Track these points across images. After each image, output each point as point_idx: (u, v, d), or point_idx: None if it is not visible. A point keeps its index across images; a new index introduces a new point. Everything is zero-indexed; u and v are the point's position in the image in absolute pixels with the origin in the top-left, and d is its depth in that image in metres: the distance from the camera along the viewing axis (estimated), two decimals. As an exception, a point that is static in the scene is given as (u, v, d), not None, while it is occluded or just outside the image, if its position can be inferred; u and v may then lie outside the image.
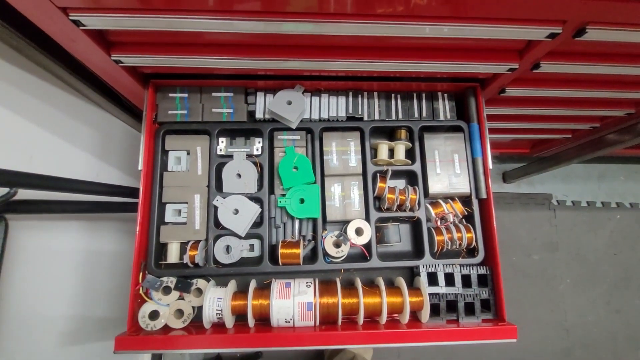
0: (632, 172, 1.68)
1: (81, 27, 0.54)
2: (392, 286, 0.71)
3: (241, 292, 0.68)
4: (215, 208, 0.72)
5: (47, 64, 0.71)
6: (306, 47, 0.64)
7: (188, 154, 0.75)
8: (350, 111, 0.78)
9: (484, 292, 0.71)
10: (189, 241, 0.71)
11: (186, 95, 0.76)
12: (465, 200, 0.78)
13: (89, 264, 0.88)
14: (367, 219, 0.74)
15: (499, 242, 0.72)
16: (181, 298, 0.69)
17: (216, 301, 0.65)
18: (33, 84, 0.73)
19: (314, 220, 0.74)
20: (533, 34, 0.58)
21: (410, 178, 0.80)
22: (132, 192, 0.84)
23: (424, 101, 0.80)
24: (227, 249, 0.71)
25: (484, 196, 0.75)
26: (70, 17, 0.52)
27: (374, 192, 0.76)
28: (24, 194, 0.59)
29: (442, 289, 0.70)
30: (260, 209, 0.73)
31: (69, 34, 0.56)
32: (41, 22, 0.55)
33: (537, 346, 1.45)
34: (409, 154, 0.80)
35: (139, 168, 0.71)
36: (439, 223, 0.76)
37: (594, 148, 1.13)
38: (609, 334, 1.48)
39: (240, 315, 0.68)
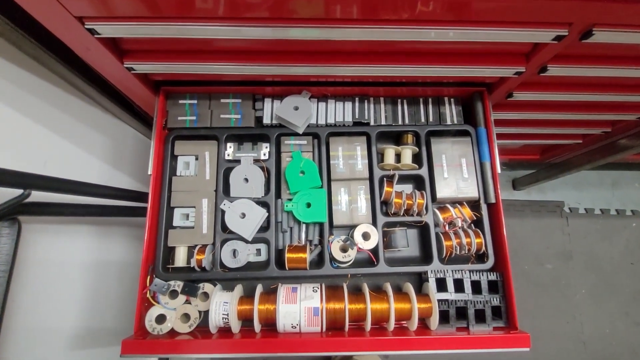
0: (647, 179, 1.64)
1: (96, 36, 0.56)
2: (400, 292, 0.70)
3: (247, 296, 0.68)
4: (223, 212, 0.73)
5: (63, 73, 0.74)
6: (313, 53, 0.65)
7: (196, 159, 0.77)
8: (357, 116, 0.78)
9: (494, 299, 0.70)
10: (196, 245, 0.72)
11: (195, 101, 0.77)
12: (474, 205, 0.77)
13: (97, 268, 0.89)
14: (374, 223, 0.74)
15: (509, 250, 0.70)
16: (188, 302, 0.69)
17: (222, 305, 0.65)
18: (49, 91, 0.75)
19: (321, 224, 0.74)
20: (539, 37, 0.58)
21: (418, 183, 0.80)
22: (142, 196, 0.85)
23: (430, 106, 0.80)
24: (234, 253, 0.71)
25: (493, 200, 0.74)
26: (86, 26, 0.54)
27: (380, 196, 0.75)
28: (36, 196, 0.61)
29: (451, 295, 0.69)
30: (267, 213, 0.73)
31: (84, 43, 0.59)
32: (59, 31, 0.57)
33: (553, 359, 1.40)
34: (416, 158, 0.80)
35: (149, 173, 0.72)
36: (447, 228, 0.75)
37: (605, 153, 1.11)
38: (628, 347, 1.42)
39: (246, 320, 0.67)
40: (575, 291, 1.48)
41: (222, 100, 0.78)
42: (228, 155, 0.76)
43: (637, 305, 1.46)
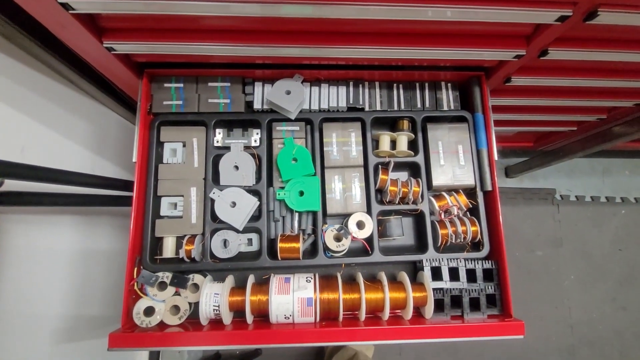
0: (637, 166, 1.65)
1: (70, 11, 0.52)
2: (394, 281, 0.69)
3: (239, 287, 0.66)
4: (212, 201, 0.70)
5: (39, 54, 0.69)
6: (305, 32, 0.62)
7: (184, 145, 0.73)
8: (351, 101, 0.76)
9: (489, 287, 0.69)
10: (185, 235, 0.69)
11: (181, 85, 0.74)
12: (470, 192, 0.75)
13: (83, 259, 0.86)
14: (369, 212, 0.72)
15: (502, 237, 0.70)
16: (177, 294, 0.67)
17: (213, 297, 0.63)
18: (24, 74, 0.70)
19: (314, 213, 0.72)
20: (542, 17, 0.55)
21: (413, 170, 0.78)
22: (126, 185, 0.81)
23: (426, 91, 0.78)
24: (225, 243, 0.69)
25: (489, 188, 0.73)
26: (59, 0, 0.50)
27: (375, 184, 0.74)
28: (12, 185, 0.57)
29: (446, 283, 0.68)
30: (259, 202, 0.71)
31: (58, 19, 0.54)
32: (29, 5, 0.52)
33: (541, 343, 1.43)
34: (412, 145, 0.78)
35: (133, 160, 0.69)
36: (442, 216, 0.73)
37: (599, 141, 1.10)
38: (615, 331, 1.46)
39: (238, 312, 0.66)
40: (565, 277, 1.50)
41: (210, 84, 0.74)
42: (217, 141, 0.73)
43: (623, 291, 1.49)
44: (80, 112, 0.87)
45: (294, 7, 0.53)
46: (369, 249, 0.71)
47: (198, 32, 0.62)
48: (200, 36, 0.62)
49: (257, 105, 0.74)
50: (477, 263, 0.70)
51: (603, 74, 0.77)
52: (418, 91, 0.78)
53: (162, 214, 0.71)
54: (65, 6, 0.51)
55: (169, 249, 0.69)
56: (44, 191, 0.64)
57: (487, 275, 0.70)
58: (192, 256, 0.67)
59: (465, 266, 0.70)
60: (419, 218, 0.76)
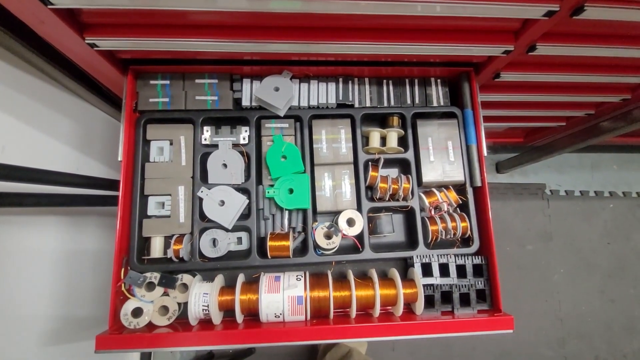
0: (625, 161, 1.68)
1: (49, 6, 0.50)
2: (385, 278, 0.69)
3: (229, 287, 0.65)
4: (200, 200, 0.69)
5: (19, 50, 0.67)
6: (294, 28, 0.61)
7: (171, 144, 0.72)
8: (341, 98, 0.75)
9: (479, 283, 0.69)
10: (173, 235, 0.68)
11: (168, 82, 0.72)
12: (460, 188, 0.76)
13: (70, 260, 0.84)
14: (359, 209, 0.72)
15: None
16: (166, 294, 0.66)
17: (202, 297, 0.62)
18: (4, 71, 0.68)
19: (304, 211, 0.72)
20: (529, 12, 0.55)
21: (403, 166, 0.78)
22: (112, 184, 0.80)
23: (416, 87, 0.78)
24: (214, 242, 0.68)
25: (479, 184, 0.73)
26: (36, -6, 0.48)
27: (365, 181, 0.73)
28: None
29: (436, 279, 0.68)
30: (248, 200, 0.70)
31: (37, 14, 0.53)
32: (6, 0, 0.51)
33: (531, 336, 1.45)
34: (402, 141, 0.78)
35: (119, 159, 0.68)
36: (432, 212, 0.74)
37: (587, 136, 1.11)
38: (603, 323, 1.48)
39: (228, 311, 0.65)
40: (554, 271, 1.52)
41: (197, 81, 0.73)
42: (205, 139, 0.72)
43: (612, 283, 1.52)
44: (64, 110, 0.85)
45: (283, 2, 0.52)
46: (359, 246, 0.70)
47: (184, 28, 0.60)
48: (187, 32, 0.60)
49: (245, 102, 0.73)
50: (467, 259, 0.70)
51: (590, 70, 0.77)
52: (408, 87, 0.78)
53: (149, 213, 0.69)
54: (44, 1, 0.49)
55: (156, 249, 0.68)
56: (26, 192, 0.63)
57: (477, 270, 0.71)
58: (181, 256, 0.66)
59: (455, 262, 0.70)
60: (409, 215, 0.76)
